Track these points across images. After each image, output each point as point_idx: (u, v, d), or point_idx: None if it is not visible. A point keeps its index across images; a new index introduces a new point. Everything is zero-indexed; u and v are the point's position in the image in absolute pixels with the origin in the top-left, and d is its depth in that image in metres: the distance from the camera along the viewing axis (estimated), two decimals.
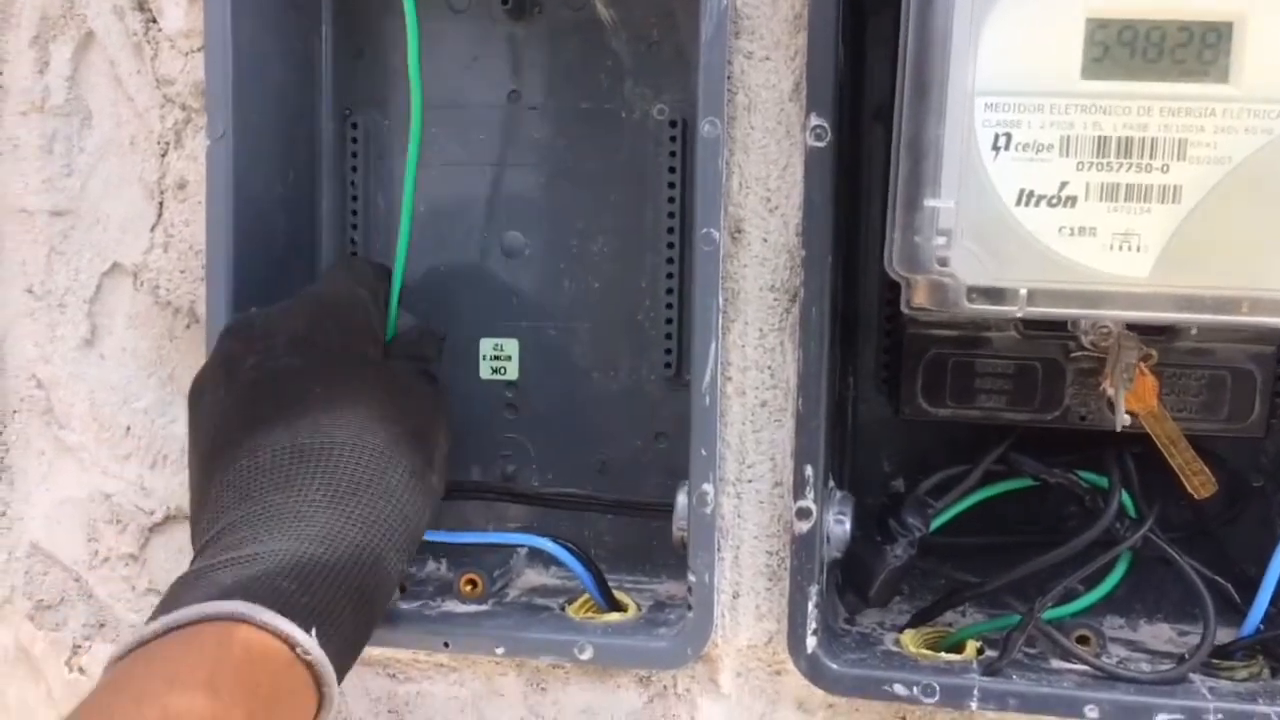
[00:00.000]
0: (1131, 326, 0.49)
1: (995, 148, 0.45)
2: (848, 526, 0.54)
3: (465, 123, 0.62)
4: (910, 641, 0.55)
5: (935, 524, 0.55)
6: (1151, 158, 0.44)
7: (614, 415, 0.62)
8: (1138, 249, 0.44)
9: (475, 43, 0.62)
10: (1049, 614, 0.55)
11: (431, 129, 0.62)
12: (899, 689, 0.50)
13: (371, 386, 0.49)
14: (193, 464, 0.49)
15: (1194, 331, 0.52)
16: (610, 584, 0.59)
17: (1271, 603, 0.55)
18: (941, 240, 0.45)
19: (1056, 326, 0.52)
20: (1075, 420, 0.54)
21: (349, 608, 0.43)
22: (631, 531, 0.62)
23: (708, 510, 0.53)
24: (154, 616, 0.41)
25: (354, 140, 0.63)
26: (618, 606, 0.57)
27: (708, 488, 0.53)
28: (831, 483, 0.55)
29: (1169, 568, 0.54)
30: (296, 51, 0.61)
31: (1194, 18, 0.44)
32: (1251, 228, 0.44)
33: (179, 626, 0.39)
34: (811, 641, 0.52)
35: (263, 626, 0.39)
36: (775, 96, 0.53)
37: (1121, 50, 0.44)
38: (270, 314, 0.51)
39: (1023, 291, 0.45)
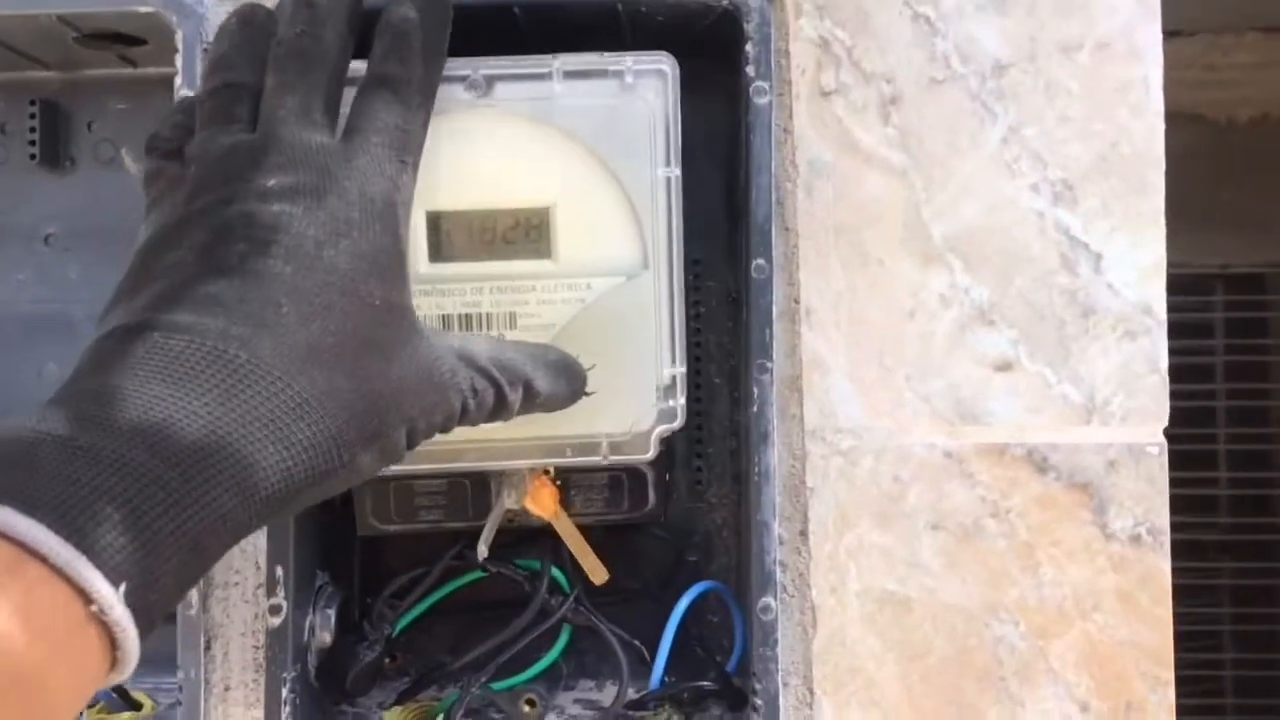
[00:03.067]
0: None
1: None
2: (332, 620, 0.62)
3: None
4: (393, 718, 0.64)
5: (404, 620, 0.64)
6: (489, 329, 0.54)
7: None
8: None
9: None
10: (505, 683, 0.64)
11: None
12: None
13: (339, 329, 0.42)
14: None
15: None
16: (139, 686, 0.66)
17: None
18: None
19: None
20: (506, 523, 0.63)
21: (176, 559, 0.37)
22: (154, 637, 0.69)
23: (192, 613, 0.61)
24: None
25: None
26: (135, 705, 0.65)
27: (192, 593, 0.61)
28: (321, 581, 0.64)
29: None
30: None
31: (519, 205, 0.54)
32: None
33: None
34: None
35: (62, 571, 0.34)
36: None
37: (460, 235, 0.54)
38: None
39: None
